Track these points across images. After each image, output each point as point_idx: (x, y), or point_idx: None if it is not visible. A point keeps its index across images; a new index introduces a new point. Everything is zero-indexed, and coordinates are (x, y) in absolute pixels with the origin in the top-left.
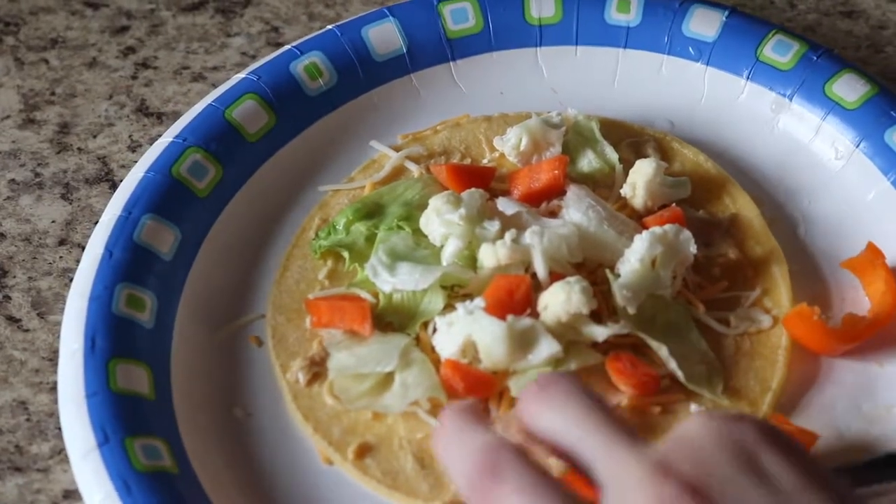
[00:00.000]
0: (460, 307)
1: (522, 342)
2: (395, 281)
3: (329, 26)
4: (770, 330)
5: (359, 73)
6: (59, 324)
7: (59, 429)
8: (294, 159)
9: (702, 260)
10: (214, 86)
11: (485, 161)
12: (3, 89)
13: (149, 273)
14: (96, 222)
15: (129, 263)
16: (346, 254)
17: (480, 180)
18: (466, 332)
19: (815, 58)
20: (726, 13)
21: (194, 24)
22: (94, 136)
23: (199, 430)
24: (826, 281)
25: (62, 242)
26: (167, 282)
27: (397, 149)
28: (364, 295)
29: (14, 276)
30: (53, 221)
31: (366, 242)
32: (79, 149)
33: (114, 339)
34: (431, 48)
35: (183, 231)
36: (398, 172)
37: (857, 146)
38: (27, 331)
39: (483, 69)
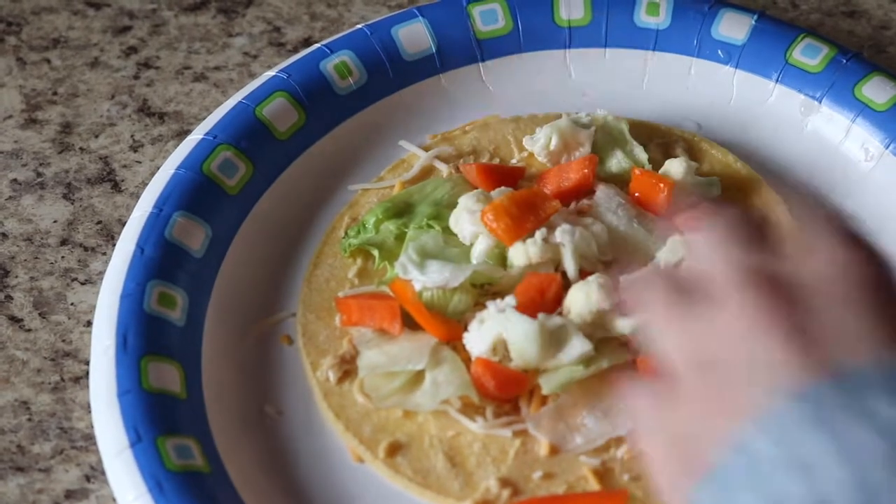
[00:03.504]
0: (491, 305)
1: (554, 340)
2: (425, 279)
3: (359, 25)
4: None
5: (388, 73)
6: (60, 324)
7: (61, 429)
8: (324, 158)
9: None
10: (216, 86)
11: (514, 161)
12: (5, 89)
13: (180, 270)
14: (98, 222)
15: (161, 260)
16: (375, 252)
17: (510, 179)
18: (497, 330)
19: (844, 61)
20: (755, 17)
21: (196, 24)
22: (96, 136)
23: (230, 428)
24: None
25: (64, 242)
26: (198, 279)
27: (426, 148)
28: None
29: (16, 276)
30: (55, 221)
31: (395, 241)
32: (81, 149)
33: (146, 336)
34: (461, 49)
35: (214, 228)
36: (427, 172)
37: (887, 148)
38: (29, 331)
39: (512, 70)
